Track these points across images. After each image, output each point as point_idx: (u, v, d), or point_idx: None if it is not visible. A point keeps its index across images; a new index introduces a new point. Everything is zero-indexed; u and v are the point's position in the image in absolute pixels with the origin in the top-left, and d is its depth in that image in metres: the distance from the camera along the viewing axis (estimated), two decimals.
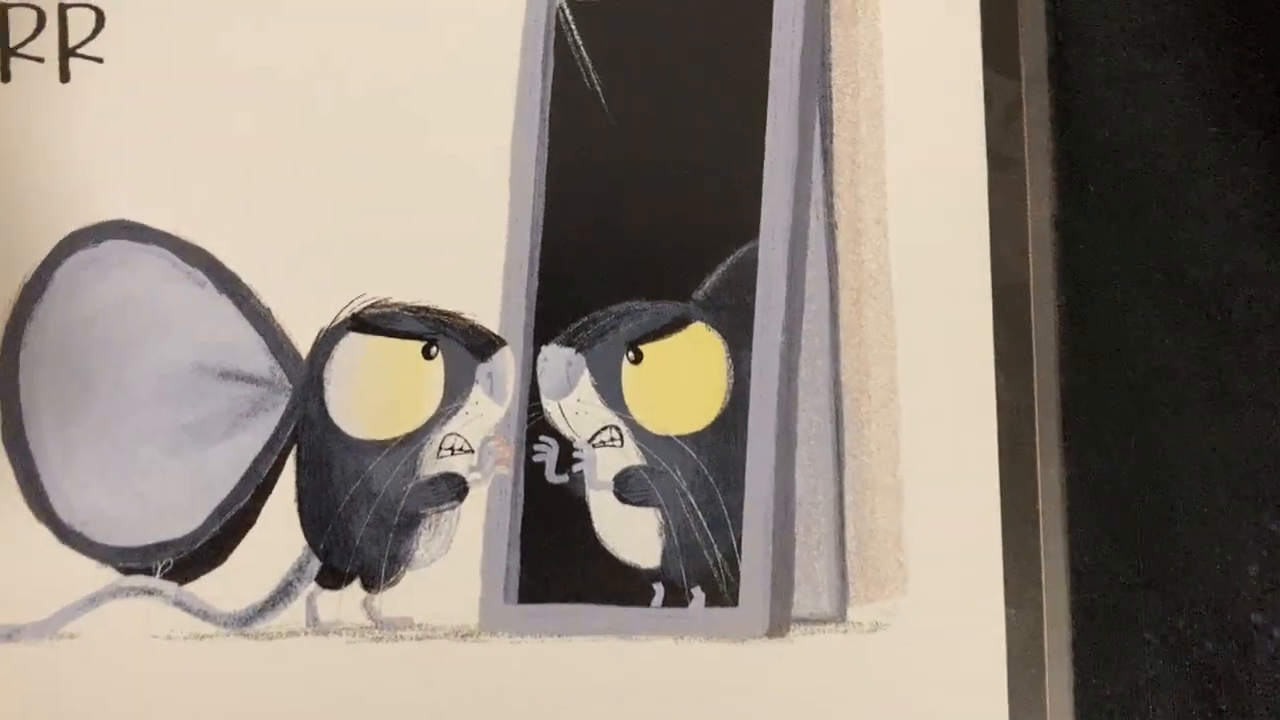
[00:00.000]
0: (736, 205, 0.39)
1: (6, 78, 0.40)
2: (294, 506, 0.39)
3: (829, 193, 0.39)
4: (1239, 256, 0.39)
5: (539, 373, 0.39)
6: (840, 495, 0.38)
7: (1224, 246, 0.39)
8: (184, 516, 0.39)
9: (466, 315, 0.39)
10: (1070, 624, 0.38)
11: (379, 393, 0.39)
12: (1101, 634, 0.38)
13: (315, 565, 0.39)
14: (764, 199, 0.39)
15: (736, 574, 0.38)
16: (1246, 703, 0.38)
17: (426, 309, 0.39)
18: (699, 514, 0.38)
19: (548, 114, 0.39)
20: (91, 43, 0.39)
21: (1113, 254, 0.39)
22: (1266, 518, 0.39)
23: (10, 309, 0.39)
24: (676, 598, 0.38)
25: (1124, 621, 0.38)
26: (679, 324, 0.39)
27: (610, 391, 0.39)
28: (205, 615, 0.39)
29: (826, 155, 0.39)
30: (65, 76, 0.40)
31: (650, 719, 0.38)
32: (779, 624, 0.38)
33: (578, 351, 0.39)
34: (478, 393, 0.39)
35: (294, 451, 0.39)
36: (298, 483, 0.39)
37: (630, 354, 0.39)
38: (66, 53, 0.39)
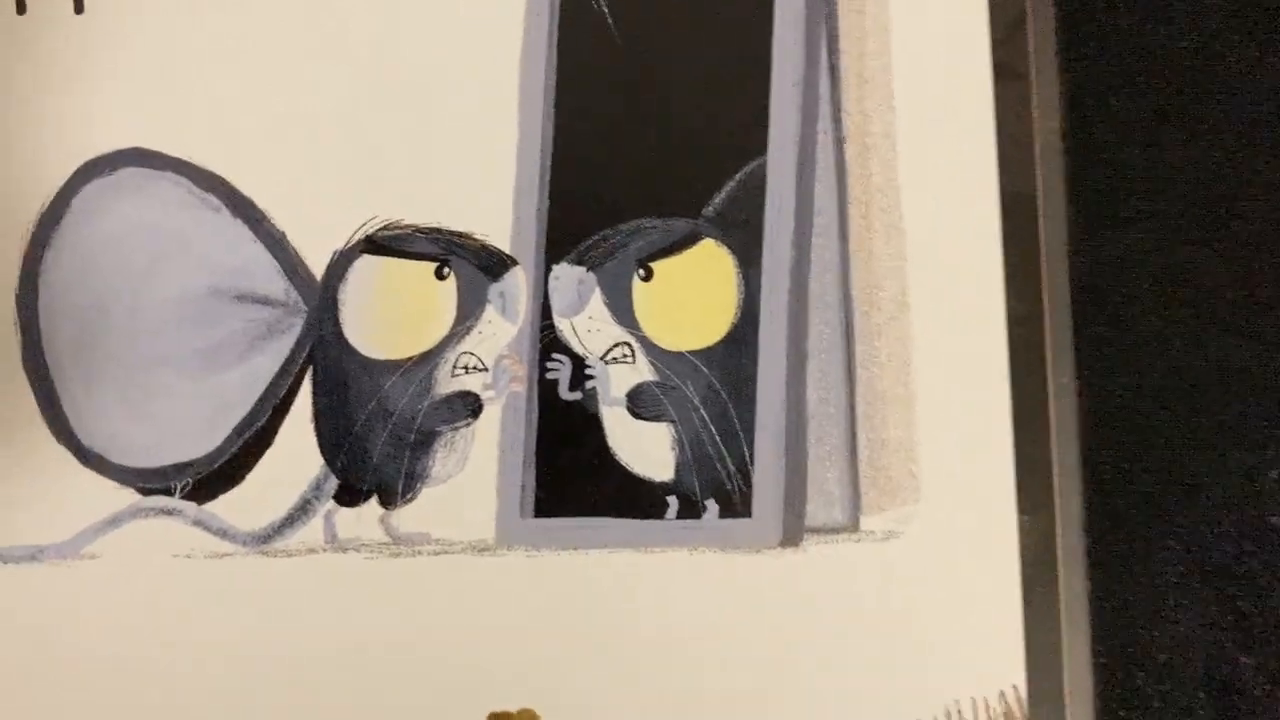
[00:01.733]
0: (744, 122, 0.39)
1: (22, 9, 0.40)
2: (311, 426, 0.40)
3: (836, 108, 0.39)
4: (1256, 166, 0.39)
5: (551, 291, 0.40)
6: (852, 406, 0.39)
7: (1241, 155, 0.40)
8: (202, 437, 0.40)
9: (478, 235, 0.40)
10: (1087, 530, 0.38)
11: (393, 313, 0.40)
12: (1122, 540, 0.39)
13: (333, 483, 0.40)
14: (772, 115, 0.39)
15: (749, 486, 0.39)
16: (1269, 604, 0.38)
17: (439, 230, 0.40)
18: (711, 428, 0.39)
19: (556, 35, 0.40)
20: None
21: (1124, 166, 0.40)
22: None
23: (29, 236, 0.40)
24: (690, 510, 0.39)
25: (1144, 527, 0.39)
26: (689, 240, 0.39)
27: (621, 309, 0.40)
28: (224, 534, 0.40)
29: (833, 71, 0.39)
30: (79, 8, 0.40)
31: (665, 630, 0.39)
32: (792, 534, 0.39)
33: (589, 270, 0.40)
34: (490, 312, 0.40)
35: (310, 372, 0.40)
36: (314, 403, 0.40)
37: (641, 271, 0.39)
38: None
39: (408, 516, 0.40)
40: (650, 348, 0.39)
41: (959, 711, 0.38)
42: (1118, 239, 0.40)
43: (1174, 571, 0.39)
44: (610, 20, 0.40)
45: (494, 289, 0.40)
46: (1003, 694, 0.38)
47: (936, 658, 0.38)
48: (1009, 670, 0.38)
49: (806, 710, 0.38)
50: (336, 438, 0.40)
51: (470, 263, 0.40)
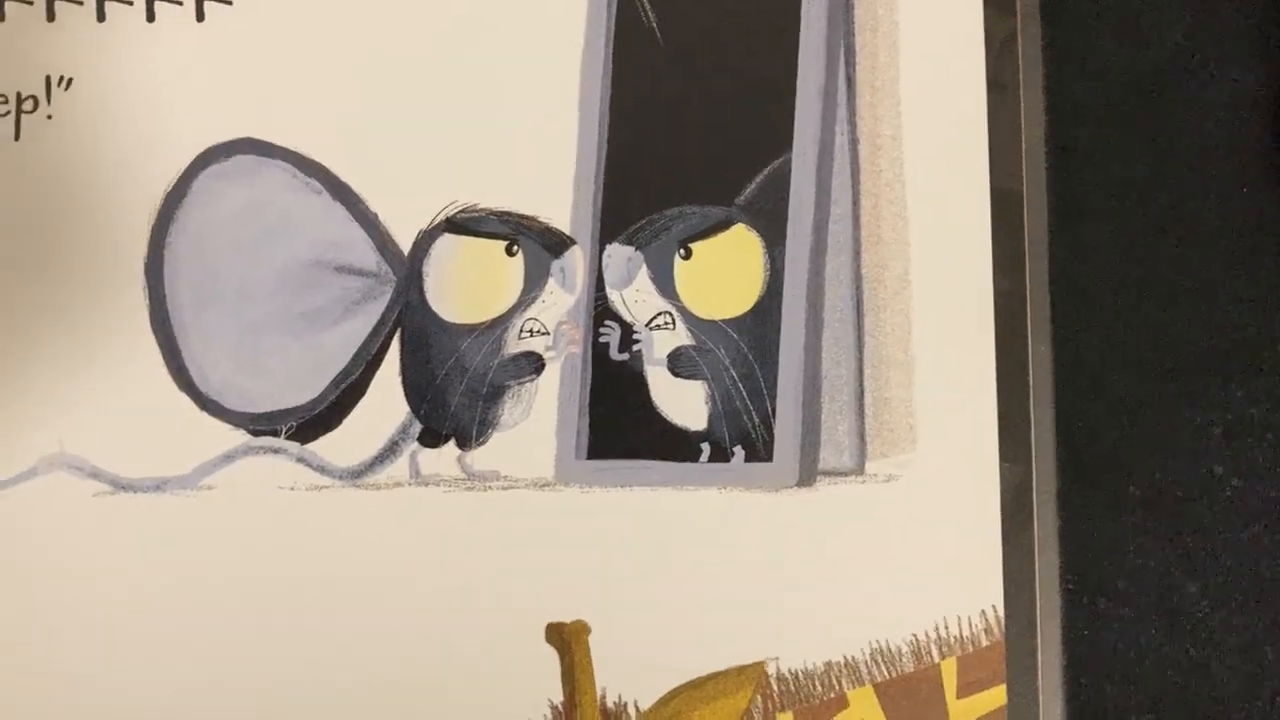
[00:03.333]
0: (773, 124, 0.43)
1: (151, 18, 0.44)
2: (398, 379, 0.44)
3: (852, 112, 0.44)
4: (1208, 169, 0.45)
5: (604, 267, 0.44)
6: (860, 369, 0.44)
7: (1195, 159, 0.45)
8: (304, 388, 0.44)
9: (542, 219, 0.44)
10: (1059, 477, 0.43)
11: (469, 284, 0.44)
12: (1088, 486, 0.43)
13: (417, 428, 0.44)
14: (797, 118, 0.43)
15: (771, 435, 0.43)
16: (1209, 542, 0.43)
17: (509, 213, 0.44)
18: (740, 385, 0.44)
19: (611, 47, 0.44)
20: None
21: (1097, 168, 0.45)
22: (1232, 387, 0.44)
23: (156, 212, 0.44)
24: (720, 455, 0.43)
25: (1108, 475, 0.43)
26: (723, 225, 0.44)
27: (664, 283, 0.44)
28: (323, 470, 0.44)
29: (850, 81, 0.44)
30: (200, 17, 0.44)
31: (697, 557, 0.43)
32: (807, 476, 0.43)
33: (637, 249, 0.44)
34: (552, 284, 0.44)
35: (398, 333, 0.44)
36: (401, 359, 0.44)
37: (681, 251, 0.44)
38: None
39: (480, 457, 0.44)
40: (688, 316, 0.44)
41: (946, 626, 0.43)
42: (1090, 230, 0.45)
43: (1132, 512, 0.44)
44: (659, 34, 0.44)
45: (555, 265, 0.44)
46: (983, 612, 0.42)
47: (928, 581, 0.42)
48: (989, 593, 0.42)
49: (816, 625, 0.43)
50: (420, 389, 0.44)
51: (535, 242, 0.44)
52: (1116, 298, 0.45)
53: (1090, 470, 0.44)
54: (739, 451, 0.44)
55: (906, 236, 0.44)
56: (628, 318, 0.44)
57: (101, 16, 0.44)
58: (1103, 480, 0.44)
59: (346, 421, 0.44)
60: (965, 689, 0.43)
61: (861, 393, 0.44)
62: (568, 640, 0.43)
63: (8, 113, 0.44)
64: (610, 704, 0.43)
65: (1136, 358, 0.44)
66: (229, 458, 0.44)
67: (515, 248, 0.44)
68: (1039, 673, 0.42)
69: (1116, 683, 0.44)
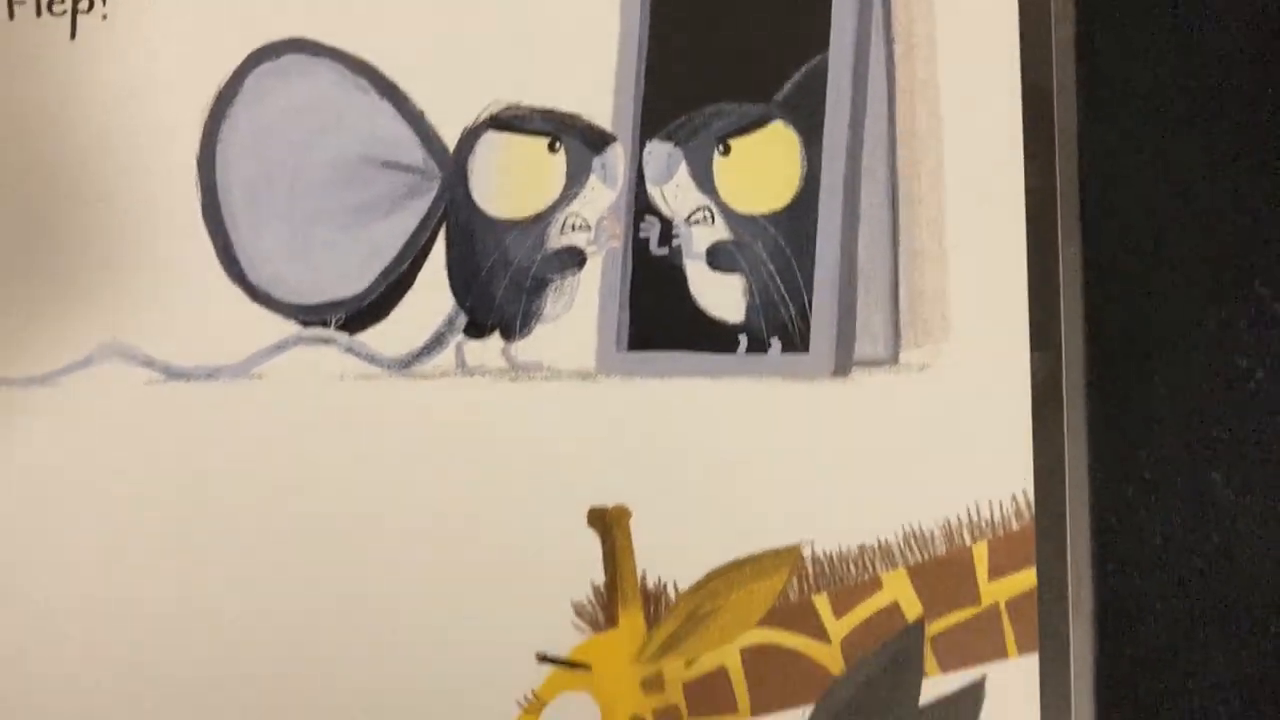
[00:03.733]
0: (811, 23, 0.44)
1: None
2: (444, 272, 0.45)
3: (887, 13, 0.45)
4: (1234, 63, 0.45)
5: (644, 163, 0.45)
6: (895, 261, 0.45)
7: (1222, 57, 0.46)
8: (353, 280, 0.45)
9: (584, 116, 0.45)
10: (1087, 367, 0.44)
11: (513, 180, 0.45)
12: (1116, 375, 0.44)
13: (462, 319, 0.45)
14: (834, 17, 0.44)
15: (807, 326, 0.44)
16: (1236, 429, 0.45)
17: (551, 111, 0.45)
18: (777, 278, 0.45)
19: None
20: None
21: (1127, 65, 0.46)
22: (1256, 282, 0.45)
23: (208, 111, 0.45)
24: (757, 346, 0.45)
25: (1135, 366, 0.44)
26: (761, 122, 0.45)
27: (703, 178, 0.45)
28: (371, 359, 0.45)
29: None
30: None
31: (734, 444, 0.44)
32: (843, 365, 0.44)
33: (676, 145, 0.45)
34: (594, 180, 0.45)
35: (444, 228, 0.45)
36: (447, 253, 0.45)
37: (720, 147, 0.45)
38: None
39: (524, 348, 0.45)
40: (727, 211, 0.45)
41: (977, 510, 0.44)
42: (1118, 127, 0.46)
43: (1158, 402, 0.45)
44: None
45: (597, 161, 0.45)
46: (1014, 497, 0.44)
47: (960, 467, 0.44)
48: (1020, 478, 0.44)
49: (850, 510, 0.44)
50: (465, 282, 0.45)
51: (577, 139, 0.45)
52: (1145, 193, 0.46)
53: (1118, 361, 0.45)
54: (776, 343, 0.45)
55: (939, 133, 0.45)
56: (667, 213, 0.45)
57: None
58: (1130, 371, 0.45)
59: (394, 313, 0.45)
60: (996, 571, 0.44)
61: (896, 284, 0.45)
62: (609, 524, 0.44)
63: (64, 12, 0.46)
64: (650, 585, 0.44)
65: (1164, 252, 0.45)
66: (280, 347, 0.45)
67: (558, 144, 0.45)
68: (1068, 556, 0.44)
69: (1143, 568, 0.45)
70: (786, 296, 0.45)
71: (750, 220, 0.45)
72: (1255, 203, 0.45)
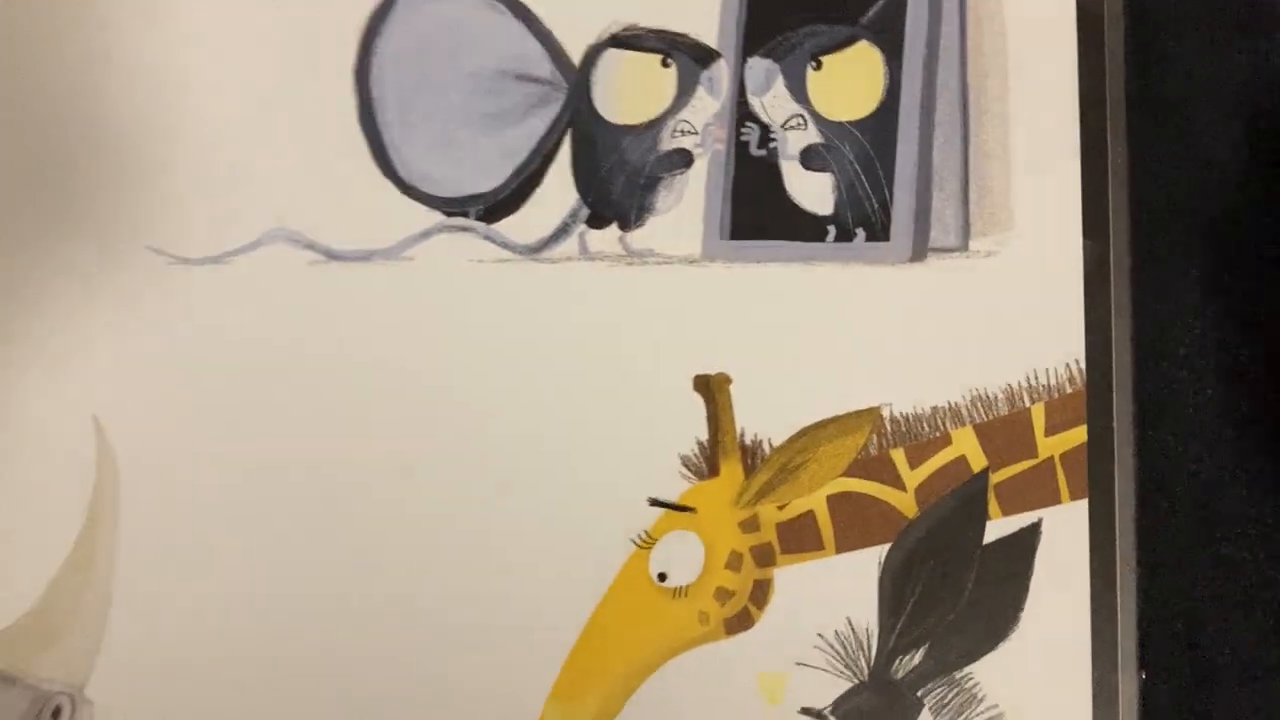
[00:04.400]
0: None
1: None
2: (570, 171, 0.51)
3: None
4: None
5: (745, 77, 0.50)
6: (965, 162, 0.50)
7: None
8: (491, 176, 0.51)
9: (693, 35, 0.51)
10: (1132, 252, 0.50)
11: (630, 91, 0.51)
12: (1159, 260, 0.50)
13: (585, 212, 0.50)
14: None
15: (888, 217, 0.50)
16: (1266, 305, 0.49)
17: (664, 30, 0.51)
18: (862, 177, 0.50)
19: None
20: None
21: None
22: None
23: (364, 26, 0.51)
24: (844, 235, 0.50)
25: (1178, 253, 0.50)
26: (849, 41, 0.50)
27: (798, 90, 0.51)
28: (506, 245, 0.50)
29: None
30: None
31: (823, 320, 0.50)
32: (919, 251, 0.50)
33: (774, 61, 0.51)
34: (701, 92, 0.51)
35: (569, 132, 0.51)
36: (572, 154, 0.51)
37: (813, 63, 0.50)
38: None
39: (639, 236, 0.50)
40: (818, 118, 0.50)
41: (1035, 376, 0.49)
42: (1164, 47, 0.52)
43: (1196, 287, 0.51)
44: None
45: (704, 74, 0.50)
46: (1068, 365, 0.49)
47: (1021, 338, 0.49)
48: (1073, 349, 0.49)
49: (924, 377, 0.49)
50: (588, 179, 0.50)
51: (687, 55, 0.50)
52: (1191, 113, 0.51)
53: (1159, 251, 0.51)
54: (860, 232, 0.50)
55: (1005, 50, 0.51)
56: (765, 120, 0.51)
57: None
58: (1170, 260, 0.51)
59: (526, 205, 0.51)
60: (1052, 428, 0.50)
61: (966, 182, 0.50)
62: (712, 389, 0.50)
63: None
64: (748, 441, 0.50)
65: (1203, 156, 0.51)
66: (426, 234, 0.51)
67: (669, 60, 0.51)
68: (1114, 416, 0.50)
69: (1179, 433, 0.51)
70: (870, 192, 0.50)
71: (839, 126, 0.51)
72: None
